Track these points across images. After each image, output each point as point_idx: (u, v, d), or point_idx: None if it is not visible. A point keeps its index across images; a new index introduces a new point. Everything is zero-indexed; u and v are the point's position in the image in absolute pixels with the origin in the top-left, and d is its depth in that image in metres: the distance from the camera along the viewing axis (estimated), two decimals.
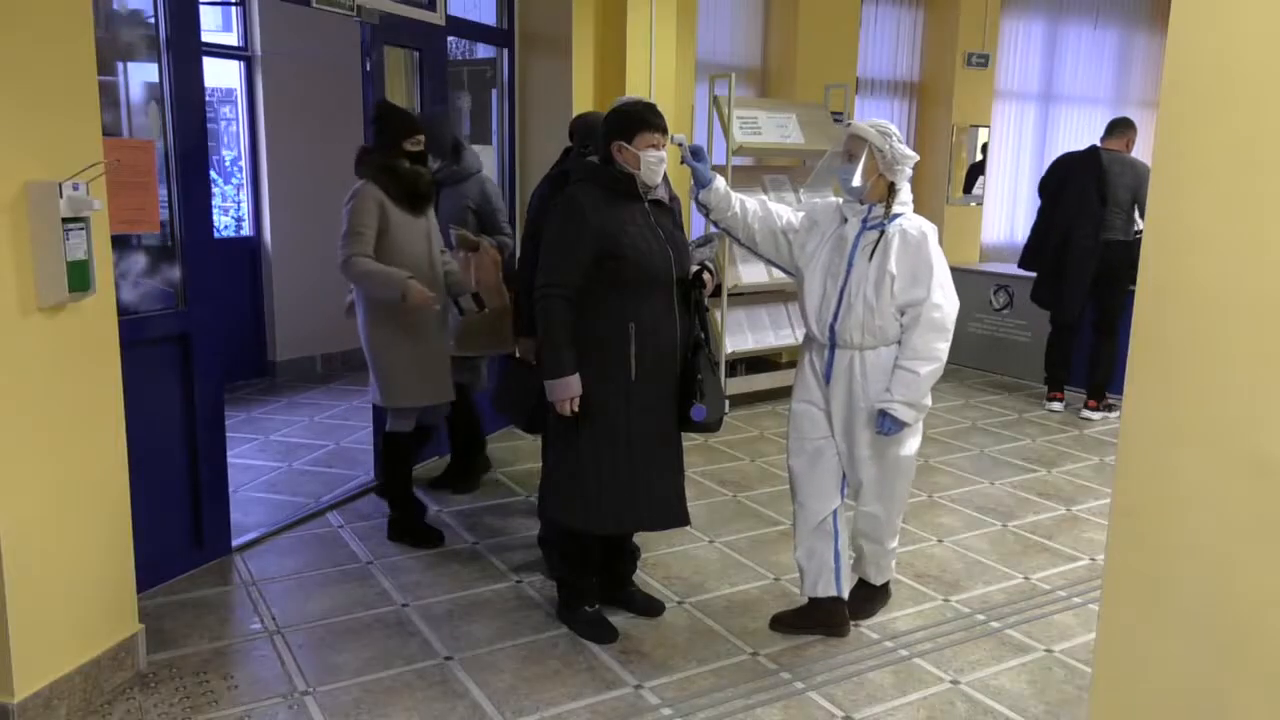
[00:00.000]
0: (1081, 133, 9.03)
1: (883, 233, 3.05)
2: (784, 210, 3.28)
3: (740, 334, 6.27)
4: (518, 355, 3.77)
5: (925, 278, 3.00)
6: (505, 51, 5.56)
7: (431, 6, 4.83)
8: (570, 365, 3.01)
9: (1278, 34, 1.52)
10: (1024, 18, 8.57)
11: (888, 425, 3.04)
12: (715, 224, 3.30)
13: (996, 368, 7.44)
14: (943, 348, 3.03)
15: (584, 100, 5.49)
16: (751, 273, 6.17)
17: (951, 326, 3.05)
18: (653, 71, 5.62)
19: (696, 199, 3.24)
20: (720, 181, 3.23)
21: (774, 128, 6.24)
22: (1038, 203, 6.37)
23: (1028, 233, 6.50)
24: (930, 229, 3.08)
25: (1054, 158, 6.49)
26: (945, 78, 8.08)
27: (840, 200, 3.19)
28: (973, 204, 8.35)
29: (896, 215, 3.07)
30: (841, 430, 3.18)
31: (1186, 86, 1.65)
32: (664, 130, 3.07)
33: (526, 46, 5.59)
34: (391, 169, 3.71)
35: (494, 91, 5.64)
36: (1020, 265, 6.50)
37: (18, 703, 2.57)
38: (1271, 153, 1.54)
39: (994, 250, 8.83)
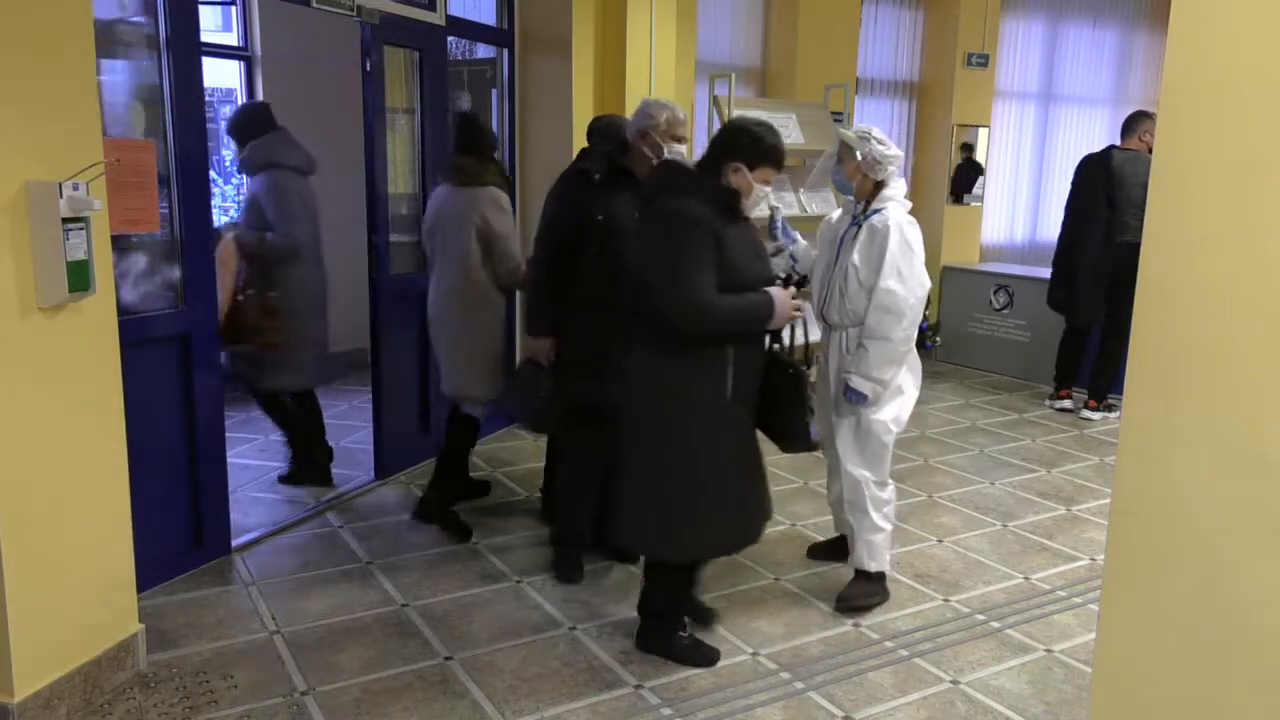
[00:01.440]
0: (1081, 133, 9.03)
1: (859, 227, 3.40)
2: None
3: None
4: (528, 356, 3.74)
5: (880, 265, 3.30)
6: (505, 51, 5.55)
7: (431, 6, 4.83)
8: (765, 294, 2.87)
9: (1278, 34, 1.52)
10: (1024, 18, 8.57)
11: (851, 395, 3.40)
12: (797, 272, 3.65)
13: (996, 368, 7.43)
14: (894, 329, 3.30)
15: (584, 100, 5.49)
16: None
17: (908, 310, 3.29)
18: (653, 71, 5.62)
19: (791, 254, 3.67)
20: (799, 237, 3.75)
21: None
22: (1039, 203, 6.36)
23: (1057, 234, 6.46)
24: (900, 222, 3.34)
25: (1065, 158, 6.45)
26: (945, 78, 8.08)
27: (847, 200, 3.60)
28: (972, 204, 8.34)
29: (877, 210, 3.38)
30: (832, 398, 3.52)
31: (1186, 86, 1.65)
32: (782, 168, 3.03)
33: (526, 46, 5.58)
34: (506, 178, 4.11)
35: (494, 91, 5.63)
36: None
37: (18, 703, 2.57)
38: (1272, 152, 1.54)
39: (994, 250, 8.83)
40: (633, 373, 3.00)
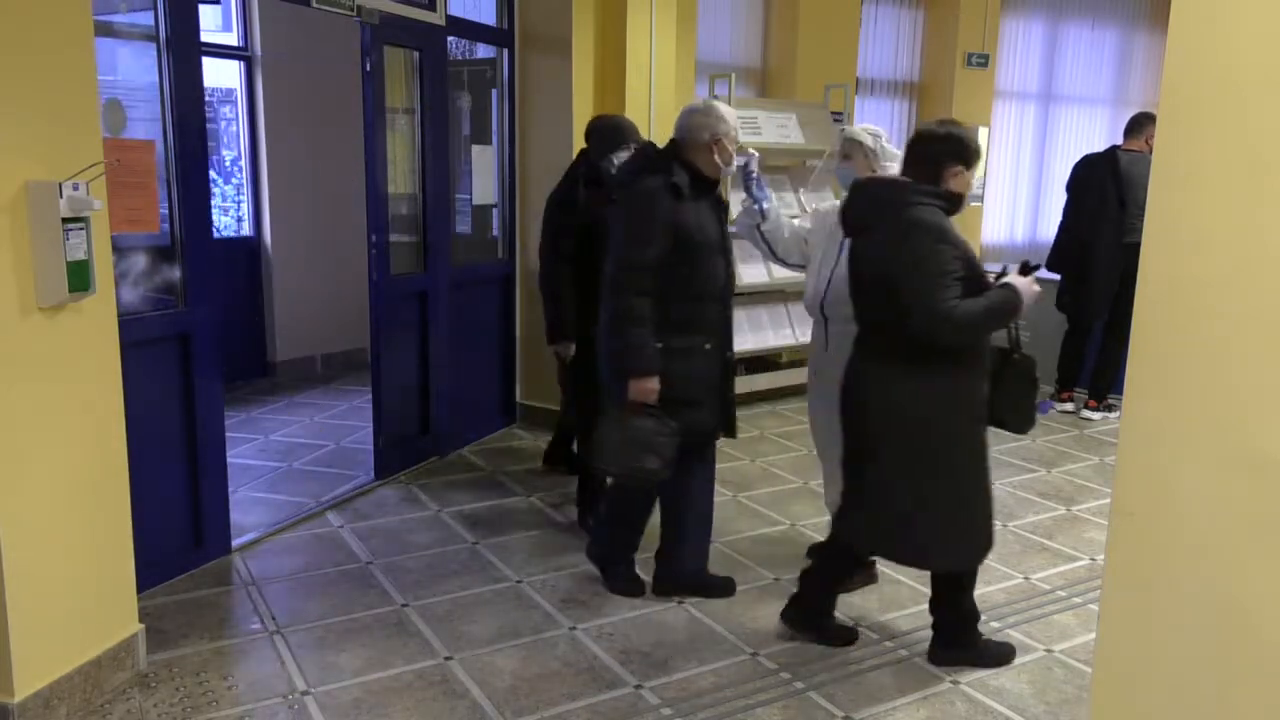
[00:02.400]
0: (1081, 133, 9.03)
1: None
2: (796, 223, 3.84)
3: (740, 334, 6.25)
4: (632, 403, 3.23)
5: None
6: (505, 51, 5.55)
7: (431, 6, 4.83)
8: (1008, 288, 2.92)
9: (1278, 34, 1.52)
10: (1024, 18, 8.57)
11: None
12: (762, 234, 3.74)
13: None
14: None
15: (584, 100, 5.48)
16: (751, 273, 6.16)
17: None
18: (653, 71, 5.61)
19: (762, 210, 3.69)
20: (773, 195, 3.81)
21: (774, 128, 6.23)
22: (1039, 203, 6.33)
23: (1055, 233, 6.44)
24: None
25: (1065, 158, 6.42)
26: (945, 78, 8.08)
27: (842, 198, 3.54)
28: (972, 204, 8.34)
29: None
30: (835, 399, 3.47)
31: (1186, 86, 1.65)
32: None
33: (526, 46, 5.58)
34: None
35: (494, 91, 5.63)
36: (1047, 267, 6.47)
37: (18, 703, 2.57)
38: (1272, 152, 1.54)
39: (994, 250, 8.83)
40: (884, 389, 2.99)
